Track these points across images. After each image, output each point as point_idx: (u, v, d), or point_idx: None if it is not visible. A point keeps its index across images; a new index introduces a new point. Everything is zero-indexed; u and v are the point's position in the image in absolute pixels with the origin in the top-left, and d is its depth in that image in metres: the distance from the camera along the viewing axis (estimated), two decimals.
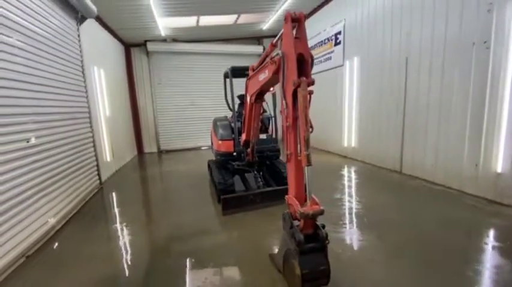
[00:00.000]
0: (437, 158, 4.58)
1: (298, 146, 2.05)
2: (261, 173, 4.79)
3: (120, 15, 6.52)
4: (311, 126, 1.97)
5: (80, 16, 5.10)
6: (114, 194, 5.40)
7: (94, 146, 5.56)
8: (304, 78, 1.93)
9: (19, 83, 3.19)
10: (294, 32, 2.04)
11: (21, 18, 3.33)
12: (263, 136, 5.07)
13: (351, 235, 3.14)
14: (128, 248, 3.15)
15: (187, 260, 2.76)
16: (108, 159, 6.53)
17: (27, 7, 3.50)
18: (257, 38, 10.47)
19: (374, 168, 6.03)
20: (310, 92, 1.98)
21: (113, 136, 6.90)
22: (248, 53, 10.35)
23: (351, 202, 4.14)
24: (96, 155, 5.61)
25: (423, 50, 4.66)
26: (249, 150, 4.34)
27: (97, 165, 5.65)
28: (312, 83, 1.97)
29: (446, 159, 4.41)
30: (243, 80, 4.22)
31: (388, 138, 5.67)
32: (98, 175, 5.68)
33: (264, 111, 5.53)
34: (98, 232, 3.63)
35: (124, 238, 3.45)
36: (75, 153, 4.62)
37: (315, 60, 7.54)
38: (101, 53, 6.66)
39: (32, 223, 3.22)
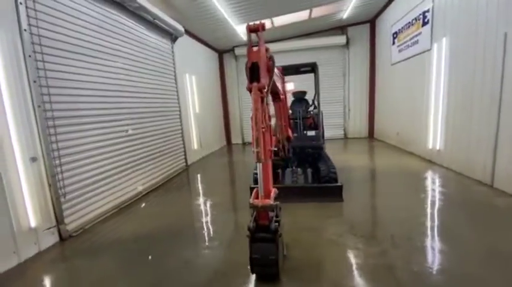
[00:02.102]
0: None
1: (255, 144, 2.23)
2: (299, 169, 4.86)
3: (206, 28, 7.88)
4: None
5: (173, 36, 6.67)
6: (194, 174, 6.83)
7: (182, 136, 7.17)
8: (255, 84, 2.11)
9: (121, 92, 4.74)
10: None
11: (125, 47, 4.89)
12: (312, 133, 5.09)
13: None
14: (190, 209, 4.34)
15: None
16: (196, 147, 8.17)
17: (131, 39, 5.06)
18: (340, 28, 9.86)
19: (459, 177, 4.78)
20: (262, 96, 2.13)
21: (201, 129, 8.52)
22: (331, 45, 9.95)
23: (435, 249, 2.70)
24: (183, 144, 7.22)
25: None
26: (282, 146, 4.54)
27: (184, 151, 7.26)
28: (263, 86, 2.12)
29: None
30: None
31: (479, 141, 4.36)
32: (185, 159, 7.29)
33: (314, 107, 5.50)
34: (171, 198, 4.97)
35: (189, 203, 4.66)
36: (164, 141, 6.21)
37: (402, 45, 6.59)
38: (193, 62, 8.31)
39: (126, 187, 4.77)
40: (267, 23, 8.18)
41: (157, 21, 5.56)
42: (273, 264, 2.18)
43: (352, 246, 2.83)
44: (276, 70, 3.11)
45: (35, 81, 3.14)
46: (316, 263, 2.57)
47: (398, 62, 7.56)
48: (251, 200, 2.20)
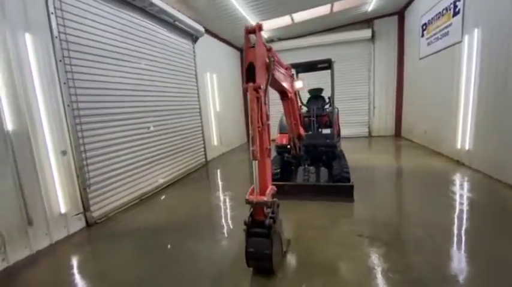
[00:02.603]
0: None
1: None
2: (311, 167, 4.81)
3: (226, 27, 8.03)
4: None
5: (194, 37, 6.92)
6: (213, 169, 7.08)
7: (202, 133, 7.44)
8: (251, 84, 2.17)
9: (143, 92, 5.07)
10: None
11: (148, 49, 5.20)
12: (327, 131, 5.02)
13: None
14: (206, 203, 4.61)
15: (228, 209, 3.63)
16: (216, 144, 8.43)
17: (153, 41, 5.36)
18: (366, 21, 9.44)
19: (487, 180, 4.41)
20: (258, 96, 2.18)
21: (221, 126, 8.75)
22: (356, 39, 9.58)
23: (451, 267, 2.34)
24: (203, 140, 7.49)
25: None
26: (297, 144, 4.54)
27: (204, 147, 7.54)
28: (258, 86, 2.17)
29: None
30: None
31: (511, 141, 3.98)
32: (204, 154, 7.57)
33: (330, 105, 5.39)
34: (189, 192, 5.25)
35: (206, 196, 4.92)
36: (184, 137, 6.51)
37: (431, 38, 6.18)
38: (214, 61, 8.53)
39: (147, 180, 5.12)
40: (287, 19, 8.13)
41: (177, 23, 5.82)
42: (267, 259, 2.24)
43: (354, 247, 2.79)
44: (282, 70, 3.15)
45: (64, 83, 3.51)
46: (315, 261, 2.59)
47: (427, 56, 7.07)
48: (247, 196, 2.28)
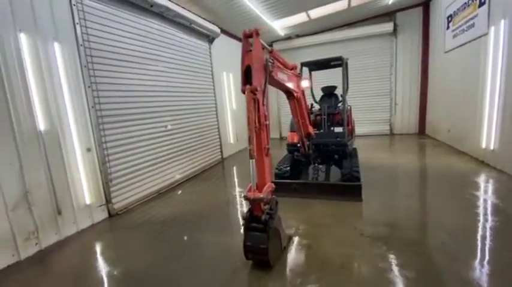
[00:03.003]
0: None
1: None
2: (320, 166, 4.80)
3: (242, 27, 8.14)
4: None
5: (210, 38, 7.13)
6: (229, 166, 7.31)
7: (218, 131, 7.68)
8: (248, 86, 2.28)
9: (161, 92, 5.37)
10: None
11: (165, 51, 5.49)
12: (339, 129, 5.00)
13: None
14: (220, 198, 4.83)
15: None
16: (232, 141, 8.64)
17: (170, 43, 5.64)
18: (387, 15, 9.06)
19: None
20: (254, 98, 2.28)
21: (238, 124, 8.94)
22: (376, 34, 9.24)
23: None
24: (219, 138, 7.73)
25: None
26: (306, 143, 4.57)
27: (220, 145, 7.77)
28: (255, 88, 2.26)
29: None
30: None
31: None
32: (220, 152, 7.81)
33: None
34: (205, 187, 5.51)
35: (220, 192, 5.16)
36: (201, 135, 6.78)
37: (457, 30, 5.87)
38: (230, 61, 8.68)
39: (165, 175, 5.44)
40: (303, 17, 8.07)
41: (193, 26, 6.04)
42: (264, 253, 2.36)
43: (355, 245, 2.82)
44: (285, 70, 3.21)
45: (89, 87, 3.86)
46: (312, 258, 2.66)
47: (453, 49, 6.66)
48: (245, 193, 2.41)
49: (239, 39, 9.36)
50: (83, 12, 3.77)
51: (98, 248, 3.39)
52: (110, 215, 4.20)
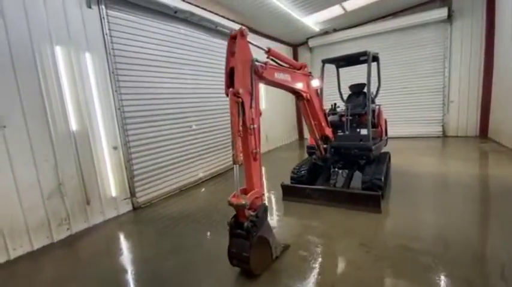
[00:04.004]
0: None
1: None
2: (340, 171, 4.44)
3: (271, 25, 8.03)
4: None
5: None
6: None
7: None
8: (231, 89, 2.21)
9: (187, 94, 5.63)
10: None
11: (191, 55, 5.73)
12: (364, 132, 4.59)
13: None
14: None
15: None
16: (262, 141, 8.61)
17: (196, 47, 5.87)
18: None
19: None
20: (237, 101, 2.21)
21: (267, 123, 8.86)
22: (426, 22, 8.13)
23: None
24: None
25: None
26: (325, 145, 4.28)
27: None
28: (237, 91, 2.18)
29: None
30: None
31: None
32: None
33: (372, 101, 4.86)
34: (227, 186, 5.63)
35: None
36: (225, 135, 6.91)
37: None
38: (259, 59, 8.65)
39: (188, 173, 5.71)
40: (337, 10, 7.56)
41: (219, 28, 6.18)
42: (246, 260, 2.29)
43: (356, 264, 2.53)
44: (288, 71, 3.04)
45: (116, 91, 4.26)
46: (304, 273, 2.48)
47: None
48: (229, 198, 2.36)
49: (270, 37, 9.30)
50: (111, 23, 4.16)
51: (120, 235, 3.78)
52: (134, 208, 4.59)
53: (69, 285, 2.67)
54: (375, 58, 5.07)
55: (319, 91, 3.74)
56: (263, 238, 2.43)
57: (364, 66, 5.25)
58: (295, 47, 10.75)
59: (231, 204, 2.32)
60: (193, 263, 2.79)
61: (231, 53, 2.32)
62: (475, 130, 8.17)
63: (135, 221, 4.21)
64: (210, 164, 6.30)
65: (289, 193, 4.30)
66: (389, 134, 9.32)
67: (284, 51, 10.24)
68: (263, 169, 6.94)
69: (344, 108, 5.39)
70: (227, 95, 2.28)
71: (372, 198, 3.56)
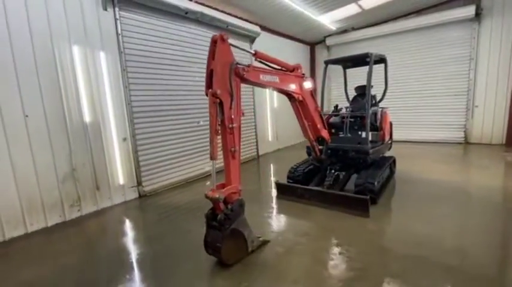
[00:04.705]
0: None
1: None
2: (336, 172, 4.43)
3: (287, 24, 8.03)
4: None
5: (251, 38, 7.32)
6: (263, 163, 7.48)
7: (255, 128, 7.88)
8: (210, 90, 2.37)
9: (196, 91, 5.86)
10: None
11: (201, 54, 5.97)
12: (373, 134, 4.58)
13: None
14: (244, 191, 5.08)
15: None
16: (271, 139, 8.72)
17: (206, 46, 6.09)
18: None
19: None
20: (215, 101, 2.36)
21: (278, 122, 8.94)
22: (453, 20, 7.64)
23: None
24: (256, 135, 7.93)
25: None
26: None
27: (256, 142, 7.97)
28: (214, 92, 2.34)
29: None
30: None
31: None
32: (256, 149, 8.01)
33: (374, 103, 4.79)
34: None
35: (245, 186, 5.35)
36: None
37: None
38: None
39: (194, 166, 6.00)
40: (353, 8, 7.38)
41: (231, 28, 6.34)
42: (217, 250, 2.46)
43: (325, 261, 2.61)
44: (276, 73, 3.13)
45: (126, 87, 4.61)
46: (274, 266, 2.60)
47: None
48: (206, 191, 2.54)
49: (287, 36, 9.29)
50: (124, 24, 4.50)
51: (125, 218, 4.17)
52: (140, 196, 4.96)
53: (75, 255, 3.06)
54: (382, 60, 4.95)
55: (313, 92, 3.77)
56: (237, 231, 2.58)
57: (375, 67, 5.19)
58: (312, 45, 10.63)
59: (207, 197, 2.49)
60: (178, 249, 3.03)
61: (212, 56, 2.46)
62: (501, 138, 7.59)
63: (140, 208, 4.57)
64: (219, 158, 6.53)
65: (283, 191, 4.40)
66: (405, 138, 9.02)
67: (300, 49, 10.19)
68: (271, 166, 7.14)
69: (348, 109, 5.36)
70: (207, 95, 2.44)
71: (360, 202, 3.56)
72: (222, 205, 2.49)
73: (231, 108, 2.49)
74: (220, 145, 2.61)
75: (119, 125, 4.58)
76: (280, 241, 3.07)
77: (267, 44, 8.14)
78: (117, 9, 4.39)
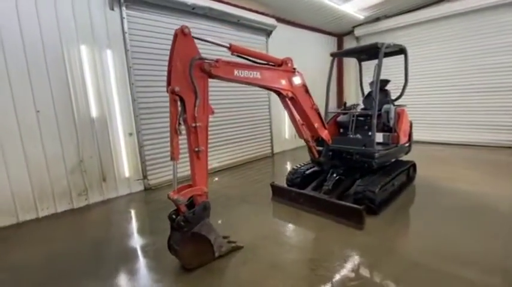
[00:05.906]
0: None
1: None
2: (338, 176, 4.03)
3: (307, 14, 7.55)
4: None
5: (267, 31, 7.06)
6: (278, 161, 7.27)
7: (270, 125, 7.66)
8: (170, 87, 2.27)
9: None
10: None
11: (207, 49, 5.92)
12: (379, 135, 4.11)
13: None
14: (249, 187, 5.12)
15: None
16: (287, 137, 8.41)
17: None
18: None
19: None
20: (175, 99, 2.26)
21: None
22: (505, 3, 6.42)
23: None
24: (271, 132, 7.70)
25: None
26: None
27: (271, 140, 7.75)
28: (172, 89, 2.23)
29: None
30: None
31: None
32: (271, 146, 7.79)
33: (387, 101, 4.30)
34: (241, 177, 5.87)
35: (253, 183, 5.42)
36: (247, 128, 6.98)
37: None
38: (296, 52, 8.18)
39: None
40: None
41: (242, 22, 6.17)
42: (176, 253, 2.39)
43: (291, 275, 2.37)
44: (256, 69, 2.91)
45: (132, 84, 4.79)
46: (236, 274, 2.45)
47: None
48: (169, 192, 2.47)
49: (309, 28, 8.74)
50: (130, 22, 4.64)
51: (129, 208, 4.41)
52: (145, 189, 5.16)
53: (80, 237, 3.37)
54: (402, 51, 4.34)
55: (308, 88, 3.45)
56: (199, 235, 2.48)
57: (395, 59, 4.60)
58: (339, 36, 9.90)
59: (169, 198, 2.43)
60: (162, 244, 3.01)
61: (171, 52, 2.36)
62: None
63: (143, 200, 4.76)
64: (226, 156, 6.51)
65: (277, 193, 4.17)
66: (438, 139, 7.92)
67: (324, 41, 9.56)
68: (281, 165, 6.88)
69: (362, 106, 4.86)
70: (167, 92, 2.36)
71: (354, 212, 3.17)
72: (183, 207, 2.41)
73: (196, 106, 2.37)
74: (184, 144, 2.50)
75: (125, 121, 4.79)
76: (255, 247, 2.89)
77: (285, 37, 7.80)
78: (123, 8, 4.55)
